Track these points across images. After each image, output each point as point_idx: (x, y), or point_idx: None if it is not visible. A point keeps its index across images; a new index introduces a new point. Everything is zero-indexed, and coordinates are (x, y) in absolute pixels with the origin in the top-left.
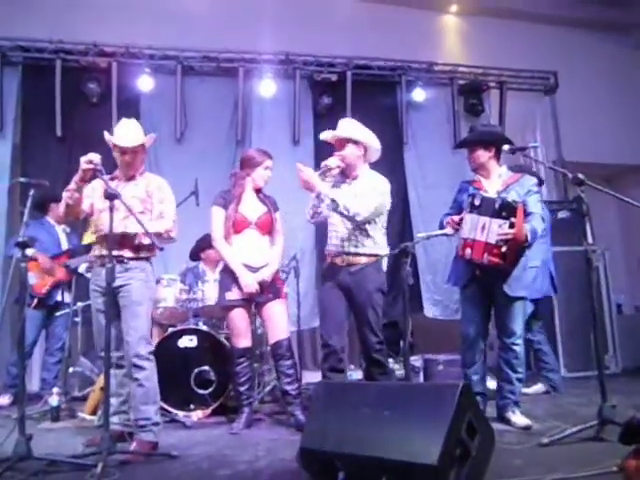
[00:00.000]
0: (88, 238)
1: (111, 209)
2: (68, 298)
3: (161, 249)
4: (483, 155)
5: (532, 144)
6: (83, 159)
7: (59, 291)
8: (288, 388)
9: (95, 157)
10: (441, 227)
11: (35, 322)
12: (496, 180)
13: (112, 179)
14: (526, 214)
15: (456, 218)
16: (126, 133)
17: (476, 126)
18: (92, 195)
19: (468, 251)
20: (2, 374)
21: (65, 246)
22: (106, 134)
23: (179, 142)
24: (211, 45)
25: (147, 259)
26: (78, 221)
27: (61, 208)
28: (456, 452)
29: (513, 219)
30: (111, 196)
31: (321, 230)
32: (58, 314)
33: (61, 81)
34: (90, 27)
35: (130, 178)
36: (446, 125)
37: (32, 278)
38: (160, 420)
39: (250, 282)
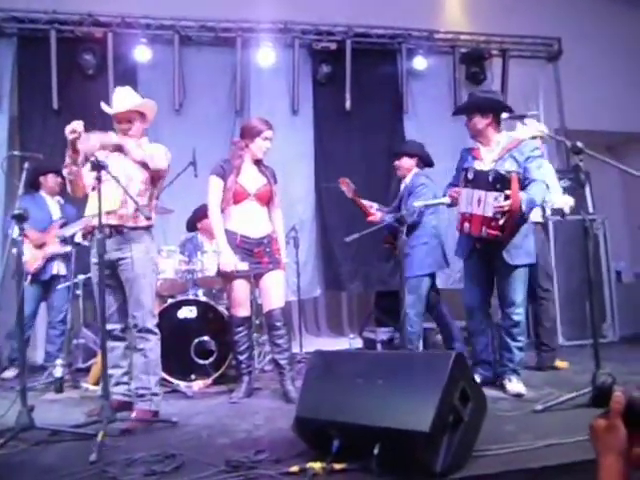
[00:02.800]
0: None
1: (99, 180)
2: (64, 270)
3: (148, 218)
4: (480, 122)
5: (531, 112)
6: (67, 129)
7: (53, 264)
8: (277, 357)
9: (78, 125)
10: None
11: (31, 296)
12: (495, 148)
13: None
14: (527, 182)
15: (456, 193)
16: (117, 99)
17: (475, 92)
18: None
19: (466, 225)
20: (7, 348)
21: (57, 217)
22: (104, 105)
23: (177, 113)
24: (208, 14)
25: (147, 229)
26: (84, 197)
27: (67, 186)
28: (449, 419)
29: (508, 191)
30: (97, 167)
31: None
32: (58, 287)
33: (56, 53)
34: None
35: None
36: (447, 94)
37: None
38: (160, 391)
39: (229, 261)
